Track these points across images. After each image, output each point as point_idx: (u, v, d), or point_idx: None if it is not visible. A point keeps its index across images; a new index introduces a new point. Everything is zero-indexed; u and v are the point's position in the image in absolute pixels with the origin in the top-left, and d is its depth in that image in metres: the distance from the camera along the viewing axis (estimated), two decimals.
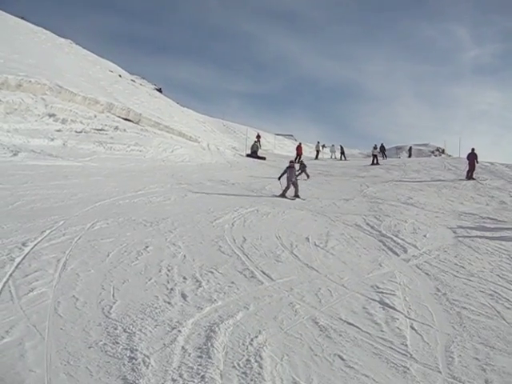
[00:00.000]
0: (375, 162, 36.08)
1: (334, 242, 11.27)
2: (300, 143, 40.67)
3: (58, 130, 26.35)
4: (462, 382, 5.14)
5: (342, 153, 44.31)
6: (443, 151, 76.71)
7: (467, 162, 26.00)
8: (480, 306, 7.44)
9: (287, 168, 20.07)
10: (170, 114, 44.03)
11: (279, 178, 20.12)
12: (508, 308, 7.39)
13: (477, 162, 25.77)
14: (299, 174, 23.79)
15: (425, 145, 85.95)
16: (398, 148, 70.70)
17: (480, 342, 6.15)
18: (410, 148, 60.05)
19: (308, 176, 25.19)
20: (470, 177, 25.02)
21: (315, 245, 10.91)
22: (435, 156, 71.95)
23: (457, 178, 25.63)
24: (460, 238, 12.22)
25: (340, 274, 8.76)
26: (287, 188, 19.33)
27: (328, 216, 14.82)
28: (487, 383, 5.15)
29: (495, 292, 8.03)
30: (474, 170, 25.35)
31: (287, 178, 19.64)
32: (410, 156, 55.23)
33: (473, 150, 25.96)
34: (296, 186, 19.41)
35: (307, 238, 11.43)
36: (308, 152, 49.82)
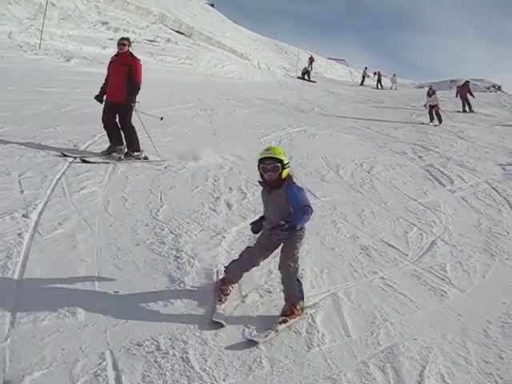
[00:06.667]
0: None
1: (380, 167, 11.15)
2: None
3: (111, 39, 26.28)
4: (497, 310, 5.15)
5: (379, 80, 42.11)
6: (499, 88, 73.83)
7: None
8: None
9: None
10: (222, 29, 43.33)
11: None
12: None
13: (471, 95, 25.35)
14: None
15: (480, 80, 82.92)
16: (452, 81, 68.21)
17: None
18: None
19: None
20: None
21: (361, 168, 10.83)
22: (490, 92, 69.33)
23: (511, 115, 24.73)
24: (509, 175, 11.88)
25: (384, 198, 8.72)
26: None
27: (376, 142, 14.60)
28: None
29: None
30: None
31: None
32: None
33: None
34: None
35: (353, 161, 11.33)
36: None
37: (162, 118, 10.16)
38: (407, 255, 6.25)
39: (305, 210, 4.25)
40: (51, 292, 4.27)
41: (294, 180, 4.52)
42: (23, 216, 5.74)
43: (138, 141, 9.19)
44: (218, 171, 8.82)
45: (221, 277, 4.82)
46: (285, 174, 4.42)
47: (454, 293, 5.36)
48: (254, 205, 7.28)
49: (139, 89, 9.04)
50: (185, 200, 7.16)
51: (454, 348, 4.22)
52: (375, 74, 45.07)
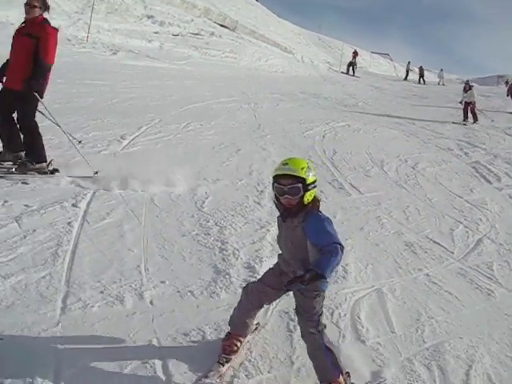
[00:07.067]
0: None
1: (425, 163, 11.00)
2: None
3: (156, 32, 26.63)
4: None
5: (421, 75, 41.27)
6: None
7: None
8: None
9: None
10: (265, 23, 43.32)
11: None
12: None
13: None
14: None
15: None
16: (500, 77, 66.51)
17: None
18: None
19: None
20: None
21: (406, 164, 10.71)
22: None
23: None
24: None
25: (429, 194, 8.61)
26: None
27: (420, 138, 14.41)
28: None
29: None
30: None
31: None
32: None
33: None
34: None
35: (398, 157, 11.21)
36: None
37: (80, 142, 7.42)
38: (453, 253, 6.18)
39: (332, 250, 2.89)
40: (100, 280, 4.36)
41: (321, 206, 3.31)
42: (72, 205, 5.87)
43: (42, 147, 6.67)
44: (261, 164, 8.86)
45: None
46: (308, 197, 3.18)
47: (501, 292, 5.28)
48: None
49: (47, 71, 6.43)
50: (229, 193, 7.22)
51: (501, 348, 4.16)
52: (421, 68, 44.29)
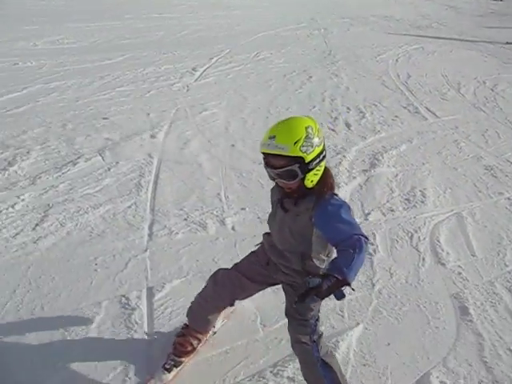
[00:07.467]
0: None
1: (504, 84, 10.46)
2: None
3: None
4: None
5: None
6: None
7: None
8: None
9: None
10: None
11: None
12: None
13: None
14: None
15: None
16: None
17: None
18: None
19: None
20: None
21: (484, 86, 10.25)
22: None
23: None
24: None
25: (509, 117, 8.23)
26: None
27: (499, 58, 13.65)
28: None
29: None
30: None
31: None
32: None
33: None
34: None
35: (476, 79, 10.73)
36: None
37: None
38: None
39: (354, 244, 2.00)
40: (182, 208, 4.53)
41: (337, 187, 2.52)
42: (151, 137, 6.05)
43: None
44: (334, 91, 8.72)
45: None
46: (311, 178, 2.23)
47: None
48: (372, 124, 7.18)
49: None
50: None
51: None
52: None
